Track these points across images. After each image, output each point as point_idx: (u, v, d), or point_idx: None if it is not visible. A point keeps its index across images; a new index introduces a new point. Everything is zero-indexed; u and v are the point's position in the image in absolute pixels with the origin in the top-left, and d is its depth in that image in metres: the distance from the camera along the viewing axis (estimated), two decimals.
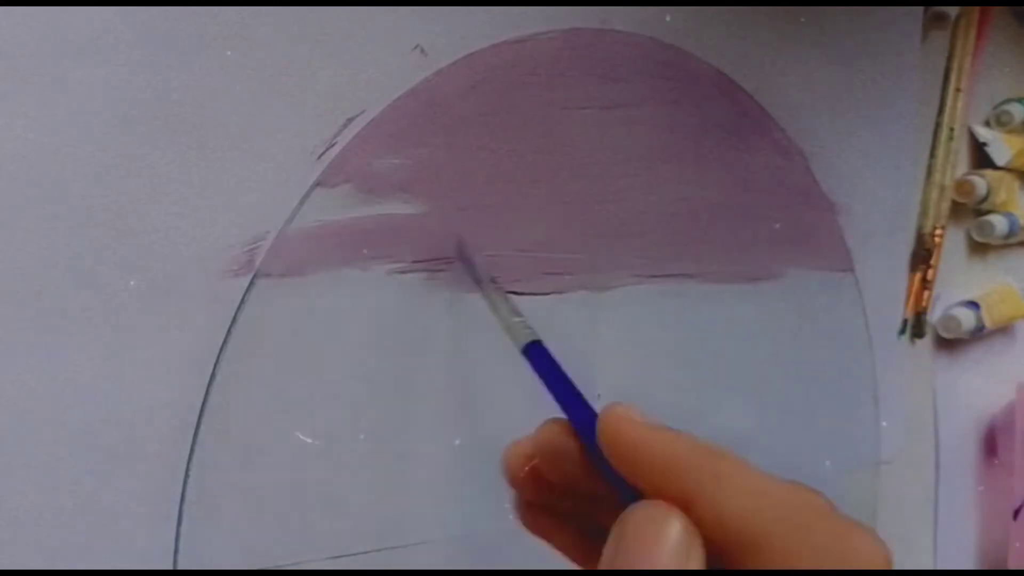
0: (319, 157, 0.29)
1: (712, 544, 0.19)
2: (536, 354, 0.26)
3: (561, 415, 0.23)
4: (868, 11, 0.43)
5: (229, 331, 0.28)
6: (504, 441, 0.33)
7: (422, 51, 0.31)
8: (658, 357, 0.37)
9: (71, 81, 0.25)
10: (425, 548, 0.32)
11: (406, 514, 0.31)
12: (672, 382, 0.38)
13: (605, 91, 0.35)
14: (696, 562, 0.18)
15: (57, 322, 0.25)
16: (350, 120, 0.29)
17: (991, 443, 0.52)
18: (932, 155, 0.48)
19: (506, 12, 0.32)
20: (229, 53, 0.27)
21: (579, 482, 0.23)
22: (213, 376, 0.27)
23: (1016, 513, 0.49)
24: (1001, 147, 0.50)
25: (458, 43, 0.31)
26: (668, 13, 0.36)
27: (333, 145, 0.29)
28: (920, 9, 0.45)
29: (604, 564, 0.19)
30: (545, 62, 0.33)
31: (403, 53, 0.30)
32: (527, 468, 0.24)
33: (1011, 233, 0.50)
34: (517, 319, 0.27)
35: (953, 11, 0.47)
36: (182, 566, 0.27)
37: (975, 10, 0.48)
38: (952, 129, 0.48)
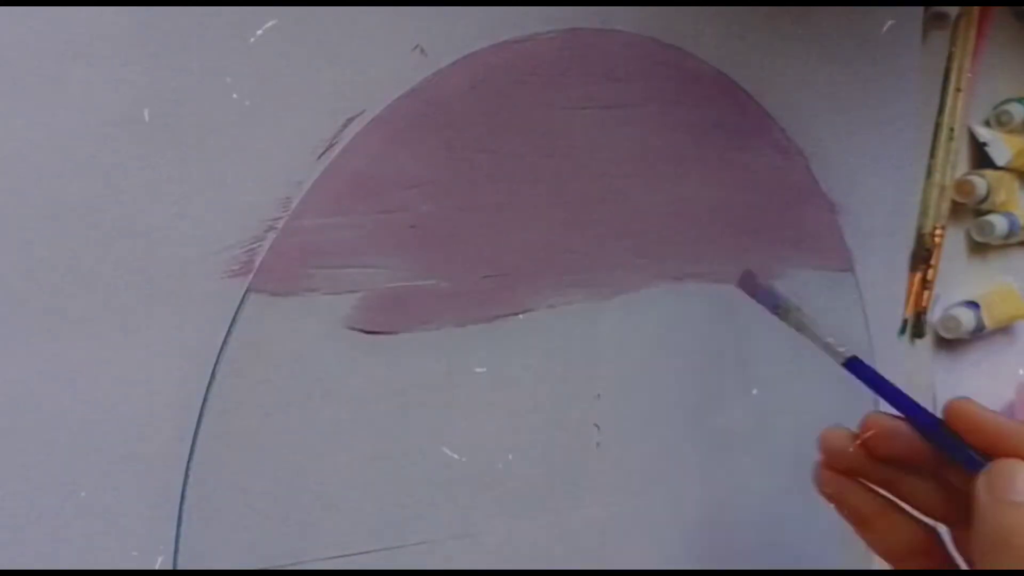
0: (319, 157, 0.29)
1: None
2: (857, 367, 0.32)
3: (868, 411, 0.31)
4: (868, 11, 0.43)
5: (229, 331, 0.28)
6: (505, 439, 0.33)
7: (422, 51, 0.31)
8: (658, 357, 0.37)
9: (71, 81, 0.25)
10: (425, 548, 0.32)
11: (406, 514, 0.31)
12: (672, 382, 0.38)
13: (605, 91, 0.35)
14: None
15: (57, 322, 0.25)
16: (350, 120, 0.29)
17: None
18: (932, 155, 0.48)
19: (506, 12, 0.32)
20: (229, 53, 0.27)
21: (906, 455, 0.30)
22: (213, 376, 0.27)
23: None
24: (1001, 147, 0.50)
25: (458, 43, 0.31)
26: (668, 14, 0.36)
27: (333, 145, 0.29)
28: (920, 9, 0.45)
29: (980, 507, 0.26)
30: (545, 62, 0.33)
31: (403, 53, 0.30)
32: (859, 441, 0.31)
33: (1011, 233, 0.50)
34: (830, 339, 0.32)
35: (953, 11, 0.47)
36: (182, 566, 0.27)
37: (975, 10, 0.48)
38: (952, 129, 0.48)
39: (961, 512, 0.29)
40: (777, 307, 0.34)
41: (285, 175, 0.28)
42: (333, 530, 0.30)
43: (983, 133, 0.50)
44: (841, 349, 0.32)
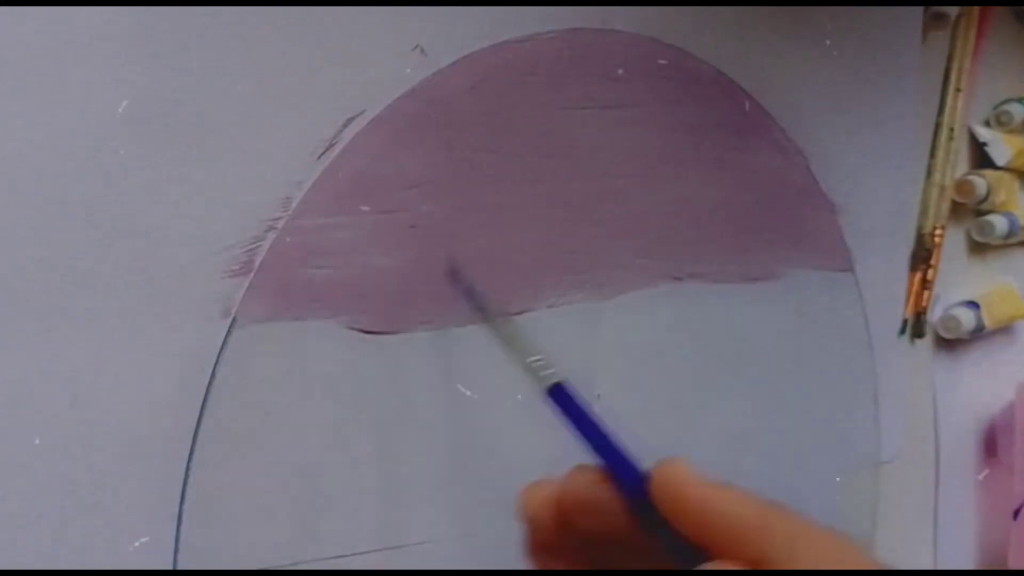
0: (319, 157, 0.29)
1: None
2: (561, 397, 0.24)
3: (585, 459, 0.23)
4: (868, 11, 0.43)
5: (229, 331, 0.28)
6: (504, 439, 0.33)
7: (422, 51, 0.31)
8: (658, 357, 0.37)
9: (71, 81, 0.25)
10: (425, 548, 0.32)
11: (406, 514, 0.31)
12: (672, 382, 0.38)
13: (605, 91, 0.35)
14: None
15: (57, 322, 0.25)
16: (350, 120, 0.29)
17: (991, 443, 0.52)
18: (932, 155, 0.48)
19: (506, 12, 0.32)
20: (229, 53, 0.27)
21: (612, 532, 0.22)
22: (213, 376, 0.27)
23: (1016, 513, 0.49)
24: (1001, 147, 0.50)
25: (458, 43, 0.31)
26: (668, 14, 0.36)
27: (333, 145, 0.29)
28: (920, 9, 0.45)
29: None
30: (545, 62, 0.33)
31: (403, 53, 0.30)
32: (544, 499, 0.23)
33: (1011, 233, 0.50)
34: (535, 359, 0.25)
35: (953, 11, 0.47)
36: (182, 566, 0.27)
37: (975, 10, 0.48)
38: (952, 129, 0.48)
39: None
40: (479, 307, 0.29)
41: (285, 175, 0.28)
42: (333, 530, 0.30)
43: (983, 133, 0.50)
44: (545, 372, 0.25)
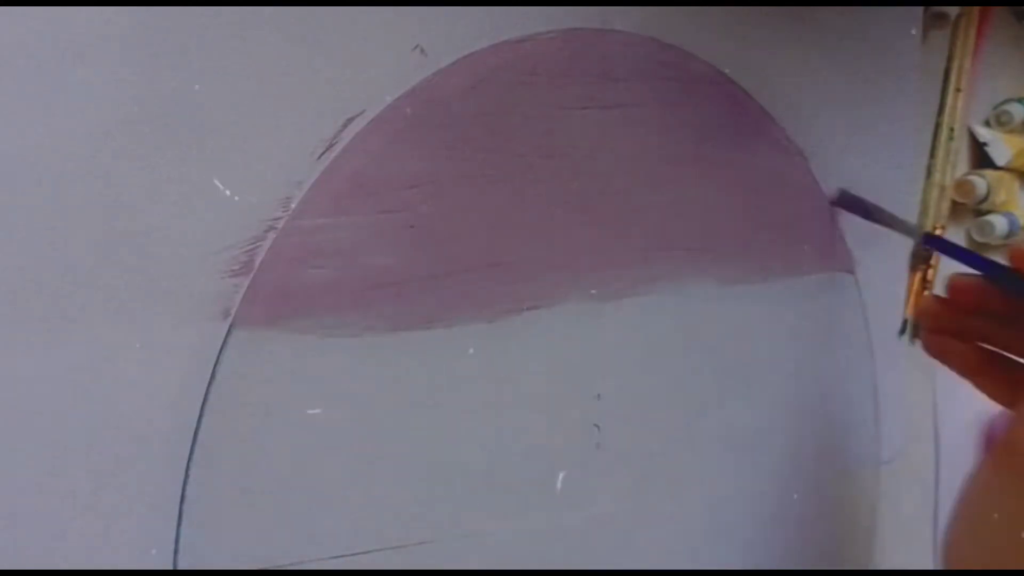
0: (319, 157, 0.29)
1: None
2: (935, 242, 0.40)
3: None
4: (868, 11, 0.43)
5: (229, 331, 0.28)
6: (504, 439, 0.33)
7: (422, 51, 0.31)
8: (658, 357, 0.37)
9: (71, 81, 0.25)
10: (425, 548, 0.32)
11: (406, 514, 0.31)
12: (672, 382, 0.38)
13: (605, 91, 0.35)
14: None
15: (57, 322, 0.25)
16: (350, 120, 0.29)
17: (991, 442, 0.52)
18: (932, 155, 0.48)
19: (506, 12, 0.32)
20: (229, 53, 0.27)
21: (985, 311, 0.35)
22: (213, 376, 0.27)
23: None
24: (1001, 147, 0.50)
25: (458, 43, 0.31)
26: (668, 14, 0.36)
27: (333, 145, 0.29)
28: (920, 9, 0.45)
29: None
30: (545, 62, 0.33)
31: (403, 53, 0.30)
32: (934, 299, 0.36)
33: (1011, 233, 0.50)
34: (910, 222, 0.39)
35: (953, 11, 0.47)
36: (182, 566, 0.27)
37: (975, 10, 0.48)
38: (952, 129, 0.48)
39: None
40: (868, 213, 0.40)
41: (285, 175, 0.28)
42: (333, 530, 0.30)
43: (983, 133, 0.50)
44: (918, 228, 0.39)
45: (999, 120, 0.51)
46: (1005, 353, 0.35)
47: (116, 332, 0.26)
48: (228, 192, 0.27)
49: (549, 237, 0.34)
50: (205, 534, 0.27)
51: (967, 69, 0.48)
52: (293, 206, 0.29)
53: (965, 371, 0.36)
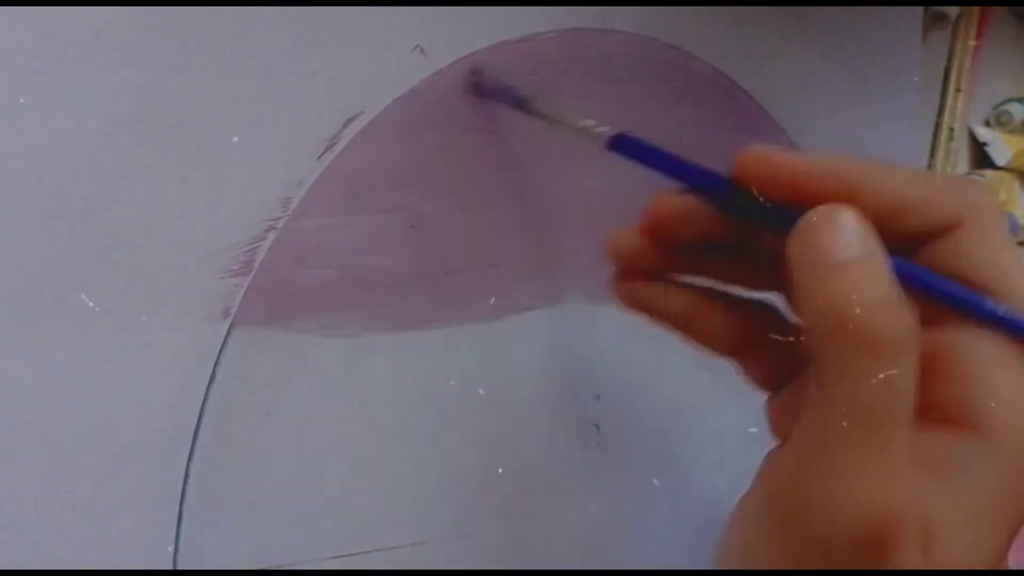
0: (319, 157, 0.29)
1: (889, 234, 0.20)
2: (622, 145, 0.27)
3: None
4: (868, 11, 0.43)
5: (229, 331, 0.28)
6: (504, 439, 0.33)
7: (422, 51, 0.31)
8: (658, 357, 0.37)
9: (71, 81, 0.25)
10: (425, 548, 0.32)
11: (406, 514, 0.31)
12: (672, 382, 0.38)
13: (605, 91, 0.35)
14: (875, 246, 0.20)
15: (57, 322, 0.25)
16: (350, 120, 0.29)
17: None
18: (932, 155, 0.48)
19: (506, 12, 0.32)
20: (229, 53, 0.27)
21: (701, 234, 0.24)
22: (213, 376, 0.27)
23: None
24: (1001, 147, 0.50)
25: (458, 43, 0.31)
26: (668, 14, 0.36)
27: (333, 145, 0.29)
28: (920, 9, 0.45)
29: (797, 277, 0.20)
30: (545, 62, 0.33)
31: (403, 53, 0.30)
32: (637, 235, 0.25)
33: (1012, 233, 0.50)
34: (586, 123, 0.27)
35: (953, 11, 0.47)
36: (182, 566, 0.27)
37: (975, 10, 0.48)
38: (952, 129, 0.48)
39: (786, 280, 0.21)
40: (517, 99, 0.30)
41: (285, 175, 0.28)
42: (333, 530, 0.30)
43: (983, 133, 0.50)
44: (600, 129, 0.27)
45: (999, 120, 0.51)
46: (724, 289, 0.26)
47: (116, 332, 0.26)
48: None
49: (549, 237, 0.34)
50: (205, 534, 0.27)
51: (967, 69, 0.48)
52: (293, 206, 0.29)
53: (677, 325, 0.27)
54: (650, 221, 0.25)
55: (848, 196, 0.21)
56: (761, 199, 0.22)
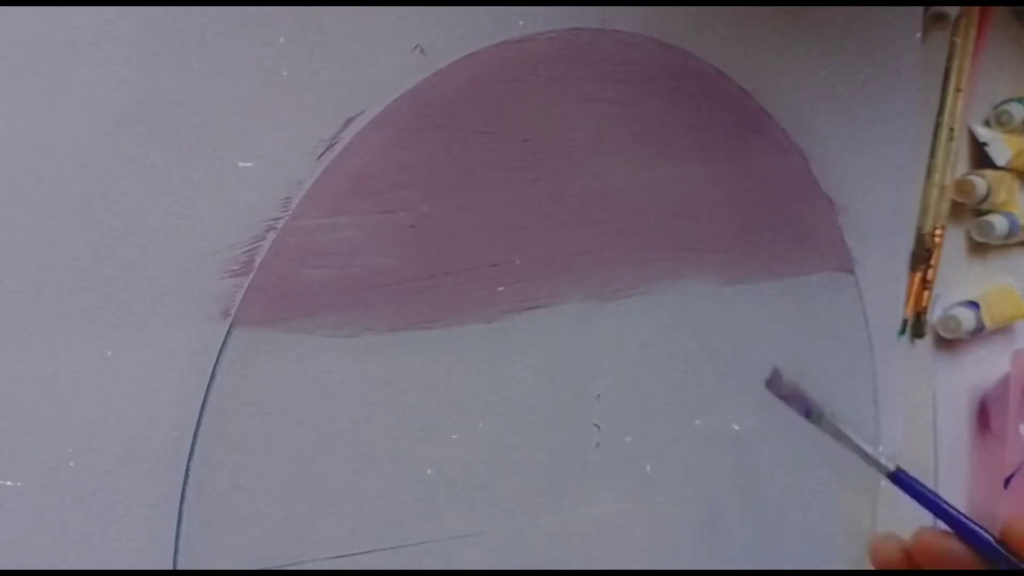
0: (319, 157, 0.29)
1: None
2: (903, 480, 0.32)
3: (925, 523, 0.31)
4: (868, 11, 0.43)
5: (229, 331, 0.28)
6: (504, 439, 0.33)
7: (422, 51, 0.31)
8: (658, 357, 0.37)
9: (71, 81, 0.25)
10: (425, 548, 0.32)
11: (406, 514, 0.31)
12: (672, 382, 0.38)
13: (605, 91, 0.35)
14: None
15: (57, 322, 0.25)
16: (350, 120, 0.29)
17: (984, 415, 0.52)
18: (932, 155, 0.48)
19: (506, 12, 0.32)
20: (229, 53, 0.27)
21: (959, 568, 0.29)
22: (213, 376, 0.27)
23: (1007, 482, 0.49)
24: (1001, 147, 0.50)
25: (458, 43, 0.31)
26: (668, 14, 0.36)
27: (333, 145, 0.29)
28: (920, 9, 0.45)
29: None
30: (545, 62, 0.33)
31: (403, 53, 0.30)
32: (896, 548, 0.30)
33: (1011, 233, 0.50)
34: (872, 449, 0.32)
35: (953, 11, 0.47)
36: (182, 566, 0.27)
37: (975, 10, 0.48)
38: (952, 129, 0.48)
39: None
40: (809, 412, 0.34)
41: (285, 175, 0.28)
42: (333, 530, 0.30)
43: (983, 133, 0.50)
44: (885, 461, 0.32)
45: (999, 120, 0.51)
46: None
47: (116, 332, 0.26)
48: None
49: (549, 237, 0.34)
50: (205, 534, 0.27)
51: (967, 69, 0.48)
52: (293, 206, 0.29)
53: None
54: (914, 547, 0.30)
55: None
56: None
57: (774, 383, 0.36)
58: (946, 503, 0.30)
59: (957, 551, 0.28)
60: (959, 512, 0.29)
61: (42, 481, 0.25)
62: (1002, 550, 0.27)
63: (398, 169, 0.30)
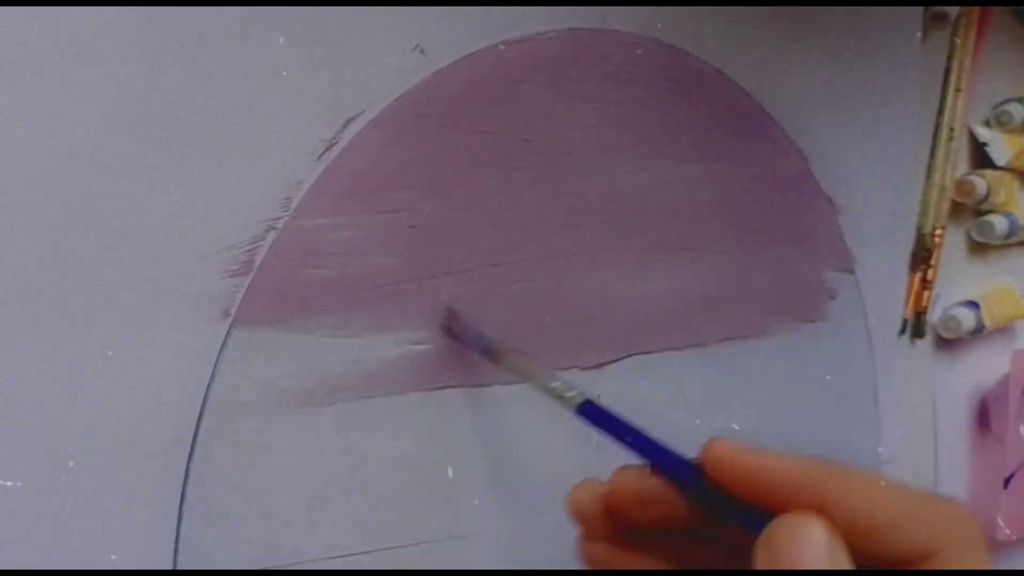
0: (319, 157, 0.29)
1: (856, 555, 0.20)
2: (591, 412, 0.26)
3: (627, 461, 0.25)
4: (868, 11, 0.43)
5: (229, 331, 0.28)
6: (504, 439, 0.33)
7: (422, 51, 0.31)
8: (658, 356, 0.37)
9: (71, 81, 0.25)
10: (425, 548, 0.32)
11: (406, 514, 0.31)
12: (671, 381, 0.38)
13: (605, 91, 0.35)
14: (845, 562, 0.20)
15: (57, 322, 0.25)
16: (350, 120, 0.29)
17: (984, 415, 0.52)
18: (932, 155, 0.48)
19: (506, 12, 0.32)
20: (229, 53, 0.27)
21: (662, 519, 0.24)
22: (213, 376, 0.27)
23: (1007, 482, 0.49)
24: (1001, 147, 0.50)
25: (458, 43, 0.31)
26: (668, 14, 0.36)
27: (333, 145, 0.29)
28: (920, 9, 0.45)
29: (760, 568, 0.20)
30: (545, 62, 0.33)
31: (403, 53, 0.30)
32: (595, 496, 0.25)
33: (1011, 233, 0.50)
34: (557, 383, 0.28)
35: (953, 11, 0.47)
36: (182, 566, 0.27)
37: (975, 10, 0.48)
38: (952, 129, 0.48)
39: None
40: (487, 350, 0.30)
41: (285, 175, 0.28)
42: (333, 530, 0.30)
43: (983, 133, 0.50)
44: (571, 394, 0.27)
45: (999, 120, 0.51)
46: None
47: (116, 332, 0.26)
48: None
49: (548, 236, 0.34)
50: (205, 534, 0.27)
51: (967, 69, 0.48)
52: (293, 206, 0.29)
53: None
54: (610, 497, 0.24)
55: (819, 507, 0.20)
56: (728, 495, 0.22)
57: (450, 322, 0.31)
58: (641, 431, 0.25)
59: (653, 487, 0.23)
60: (654, 440, 0.24)
61: (42, 481, 0.25)
62: (704, 484, 0.22)
63: (398, 169, 0.30)
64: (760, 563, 0.20)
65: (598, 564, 0.25)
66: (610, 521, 0.25)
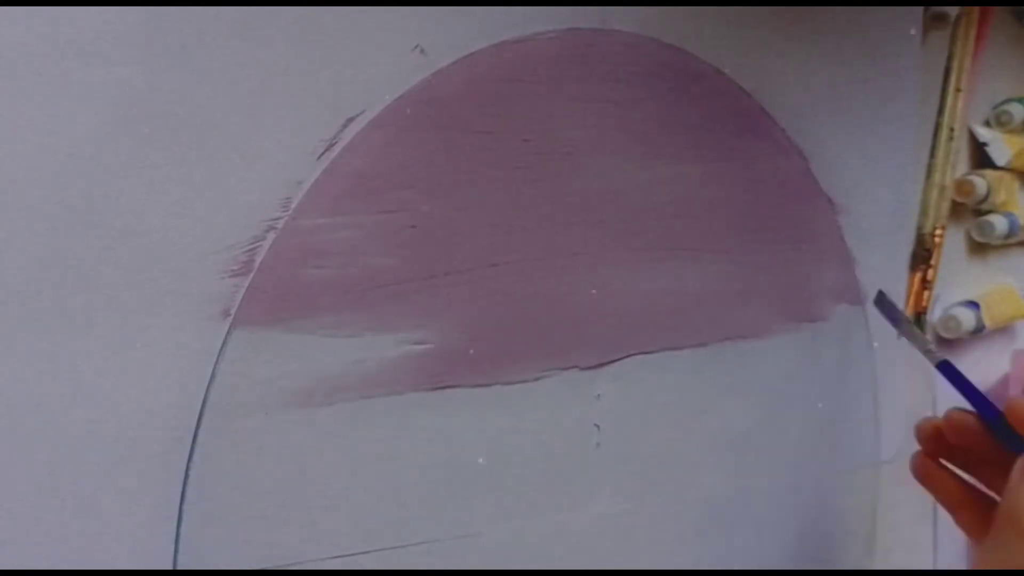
0: (319, 157, 0.29)
1: None
2: (947, 370, 0.38)
3: (960, 407, 0.37)
4: (868, 11, 0.43)
5: (229, 331, 0.28)
6: (504, 439, 0.33)
7: (422, 51, 0.31)
8: (658, 356, 0.37)
9: (71, 81, 0.25)
10: (425, 548, 0.32)
11: (406, 514, 0.31)
12: (671, 381, 0.38)
13: (605, 91, 0.35)
14: None
15: (57, 322, 0.25)
16: (350, 120, 0.29)
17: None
18: (932, 155, 0.48)
19: (506, 12, 0.32)
20: (229, 53, 0.27)
21: (975, 448, 0.36)
22: (213, 376, 0.27)
23: None
24: (1001, 147, 0.50)
25: (458, 43, 0.31)
26: (668, 13, 0.36)
27: (333, 145, 0.29)
28: (920, 9, 0.45)
29: (1009, 485, 0.31)
30: (545, 62, 0.33)
31: (403, 53, 0.30)
32: (932, 426, 0.38)
33: (1011, 233, 0.50)
34: (930, 346, 0.40)
35: (953, 11, 0.47)
36: (182, 566, 0.27)
37: (975, 10, 0.48)
38: (952, 129, 0.48)
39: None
40: (898, 322, 0.42)
41: (285, 175, 0.28)
42: (333, 530, 0.30)
43: (983, 133, 0.50)
44: (936, 355, 0.39)
45: (999, 120, 0.51)
46: (985, 490, 0.37)
47: (116, 332, 0.26)
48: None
49: (548, 237, 0.34)
50: (205, 534, 0.27)
51: (967, 69, 0.48)
52: (293, 206, 0.29)
53: (946, 502, 0.38)
54: (943, 426, 0.37)
55: None
56: (1016, 434, 0.34)
57: (881, 302, 0.43)
58: (979, 393, 0.36)
59: (972, 424, 0.36)
60: (984, 397, 0.36)
61: (42, 481, 0.25)
62: (1003, 423, 0.34)
63: (398, 169, 0.30)
64: (1015, 472, 0.31)
65: (924, 472, 0.38)
66: (938, 443, 0.37)
